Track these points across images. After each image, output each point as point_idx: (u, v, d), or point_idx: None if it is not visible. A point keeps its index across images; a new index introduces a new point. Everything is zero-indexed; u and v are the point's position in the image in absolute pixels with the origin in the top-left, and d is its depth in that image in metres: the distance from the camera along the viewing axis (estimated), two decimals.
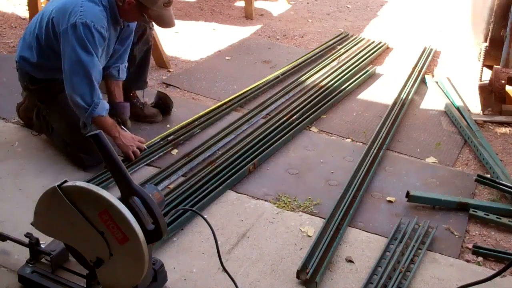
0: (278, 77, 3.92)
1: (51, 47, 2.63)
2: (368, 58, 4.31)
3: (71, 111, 2.67)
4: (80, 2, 2.51)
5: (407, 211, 2.62)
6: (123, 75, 2.94)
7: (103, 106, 2.63)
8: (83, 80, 2.54)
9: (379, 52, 4.51)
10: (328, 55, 4.38)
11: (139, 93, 3.26)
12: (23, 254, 2.03)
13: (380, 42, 4.67)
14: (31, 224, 1.81)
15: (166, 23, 2.69)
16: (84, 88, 2.55)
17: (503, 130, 3.48)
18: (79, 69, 2.52)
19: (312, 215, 2.53)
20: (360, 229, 2.47)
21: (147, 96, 3.32)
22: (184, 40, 4.54)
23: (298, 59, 4.24)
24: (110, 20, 2.62)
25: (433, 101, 3.79)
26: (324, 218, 2.48)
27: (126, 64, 2.96)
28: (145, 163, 2.81)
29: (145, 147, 2.86)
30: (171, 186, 2.64)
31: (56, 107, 2.76)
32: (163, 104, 3.27)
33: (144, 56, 3.16)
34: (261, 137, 3.08)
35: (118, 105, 2.91)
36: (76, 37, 2.48)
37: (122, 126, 2.87)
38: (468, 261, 2.32)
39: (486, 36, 3.88)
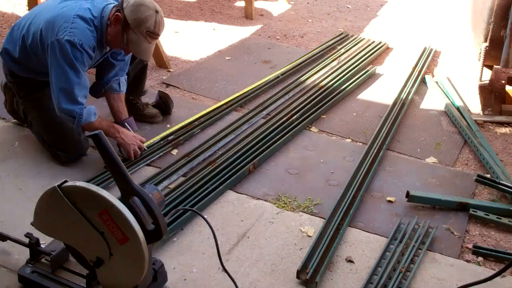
0: (278, 77, 3.92)
1: (35, 52, 2.62)
2: (368, 58, 4.31)
3: (47, 110, 2.69)
4: (72, 18, 2.49)
5: (407, 211, 2.62)
6: (124, 87, 2.92)
7: (89, 112, 2.60)
8: (66, 95, 2.54)
9: (379, 52, 4.51)
10: (328, 55, 4.38)
11: None
12: (23, 254, 2.03)
13: (380, 42, 4.66)
14: (31, 224, 1.81)
15: (140, 52, 2.64)
16: (67, 104, 2.55)
17: (503, 130, 3.48)
18: (65, 85, 2.52)
19: (312, 215, 2.53)
20: (360, 229, 2.47)
21: (147, 96, 3.32)
22: (184, 40, 4.54)
23: (298, 59, 4.24)
24: (98, 42, 2.60)
25: (433, 101, 3.79)
26: (324, 218, 2.48)
27: (126, 77, 2.95)
28: (145, 163, 2.82)
29: (145, 147, 2.85)
30: (171, 186, 2.64)
31: (33, 104, 2.77)
32: (164, 104, 3.27)
33: (139, 71, 3.14)
34: (261, 137, 3.08)
35: (123, 123, 2.88)
36: (64, 54, 2.48)
37: (126, 123, 2.86)
38: (468, 261, 2.32)
39: (486, 36, 3.88)
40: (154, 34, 2.58)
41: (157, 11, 2.57)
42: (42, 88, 2.70)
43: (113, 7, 2.60)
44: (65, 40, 2.45)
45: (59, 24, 2.49)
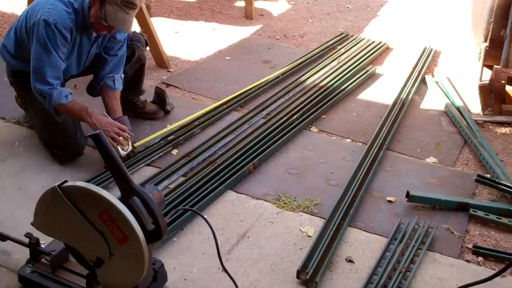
0: (278, 77, 3.92)
1: (25, 42, 2.68)
2: (368, 58, 4.31)
3: (44, 109, 2.71)
4: (51, 1, 2.55)
5: (407, 211, 2.62)
6: (119, 85, 2.89)
7: (60, 94, 2.62)
8: (37, 75, 2.58)
9: (379, 52, 4.51)
10: (328, 55, 4.38)
11: None
12: (23, 254, 2.03)
13: (380, 42, 4.67)
14: (31, 224, 1.81)
15: (117, 22, 2.59)
16: (39, 84, 2.59)
17: (503, 130, 3.48)
18: (37, 64, 2.57)
19: (312, 215, 2.53)
20: (360, 229, 2.47)
21: (146, 96, 3.31)
22: (184, 40, 4.54)
23: (298, 59, 4.24)
24: (79, 25, 2.61)
25: (433, 101, 3.79)
26: (324, 218, 2.48)
27: (123, 75, 2.93)
28: (145, 163, 2.82)
29: (130, 134, 2.78)
30: (171, 186, 2.64)
31: (31, 103, 2.80)
32: (159, 100, 3.28)
33: (137, 70, 3.13)
34: (261, 137, 3.08)
35: (117, 121, 2.85)
36: (38, 35, 2.53)
37: (105, 115, 2.83)
38: (468, 261, 2.32)
39: (486, 36, 3.88)
40: (129, 3, 2.56)
41: None
42: None
43: None
44: (41, 20, 2.51)
45: (39, 7, 2.56)
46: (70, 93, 2.67)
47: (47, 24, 2.50)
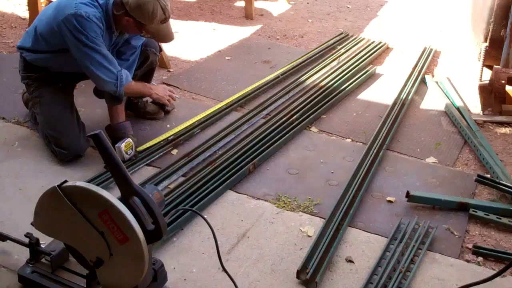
0: (278, 77, 3.92)
1: (44, 37, 2.70)
2: (368, 58, 4.31)
3: (51, 107, 2.76)
4: (75, 2, 2.56)
5: (407, 211, 2.62)
6: None
7: (127, 75, 2.71)
8: (95, 61, 2.60)
9: (379, 52, 4.51)
10: (328, 55, 4.38)
11: None
12: (23, 254, 2.03)
13: (380, 42, 4.66)
14: (31, 224, 1.81)
15: (163, 38, 2.77)
16: (101, 68, 2.62)
17: (503, 130, 3.48)
18: (89, 54, 2.59)
19: (312, 215, 2.53)
20: (360, 229, 2.47)
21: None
22: (184, 40, 4.54)
23: (298, 59, 4.24)
24: (104, 22, 2.64)
25: (433, 101, 3.79)
26: (324, 218, 2.48)
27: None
28: (145, 163, 2.82)
29: (133, 139, 2.84)
30: (171, 186, 2.64)
31: (40, 100, 2.82)
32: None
33: (146, 73, 3.15)
34: (261, 137, 3.08)
35: (119, 126, 2.89)
36: (74, 28, 2.54)
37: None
38: (468, 261, 2.32)
39: (486, 36, 3.88)
40: (167, 18, 2.66)
41: None
42: (49, 83, 2.76)
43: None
44: (71, 15, 2.53)
45: (64, 4, 2.58)
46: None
47: (80, 16, 2.53)
